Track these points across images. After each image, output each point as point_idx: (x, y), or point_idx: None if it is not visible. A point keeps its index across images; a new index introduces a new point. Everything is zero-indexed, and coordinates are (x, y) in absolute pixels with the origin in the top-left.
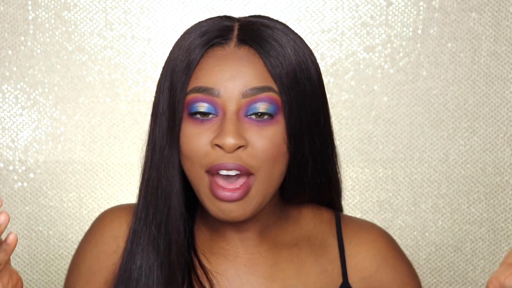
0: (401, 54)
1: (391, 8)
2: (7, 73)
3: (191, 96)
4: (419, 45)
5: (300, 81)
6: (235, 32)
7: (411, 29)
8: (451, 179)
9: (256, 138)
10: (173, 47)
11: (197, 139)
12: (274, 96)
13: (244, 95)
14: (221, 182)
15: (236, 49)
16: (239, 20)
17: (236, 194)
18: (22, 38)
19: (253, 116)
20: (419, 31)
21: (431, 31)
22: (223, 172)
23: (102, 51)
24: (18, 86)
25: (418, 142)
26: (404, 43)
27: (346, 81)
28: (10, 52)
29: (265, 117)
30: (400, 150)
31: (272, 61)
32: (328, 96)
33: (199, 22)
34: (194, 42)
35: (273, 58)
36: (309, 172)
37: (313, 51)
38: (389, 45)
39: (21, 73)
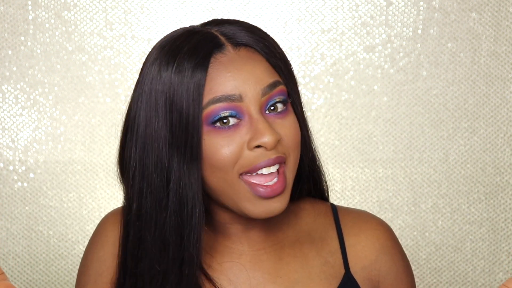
0: (401, 54)
1: (391, 8)
2: (7, 73)
3: (210, 109)
4: (419, 45)
5: (291, 70)
6: (222, 38)
7: (411, 29)
8: (451, 179)
9: (282, 129)
10: (160, 74)
11: (227, 147)
12: (283, 88)
13: (263, 94)
14: (257, 180)
15: (236, 51)
16: (209, 28)
17: (278, 187)
18: (22, 38)
19: (271, 110)
20: (419, 31)
21: (431, 31)
22: (265, 170)
23: (102, 51)
24: (18, 86)
25: (418, 142)
26: (404, 43)
27: (346, 81)
28: (10, 52)
29: (280, 109)
30: (400, 150)
31: (271, 55)
32: (328, 96)
33: (175, 40)
34: (191, 59)
35: (270, 52)
36: (306, 159)
37: (313, 51)
38: (389, 45)
39: (21, 73)
